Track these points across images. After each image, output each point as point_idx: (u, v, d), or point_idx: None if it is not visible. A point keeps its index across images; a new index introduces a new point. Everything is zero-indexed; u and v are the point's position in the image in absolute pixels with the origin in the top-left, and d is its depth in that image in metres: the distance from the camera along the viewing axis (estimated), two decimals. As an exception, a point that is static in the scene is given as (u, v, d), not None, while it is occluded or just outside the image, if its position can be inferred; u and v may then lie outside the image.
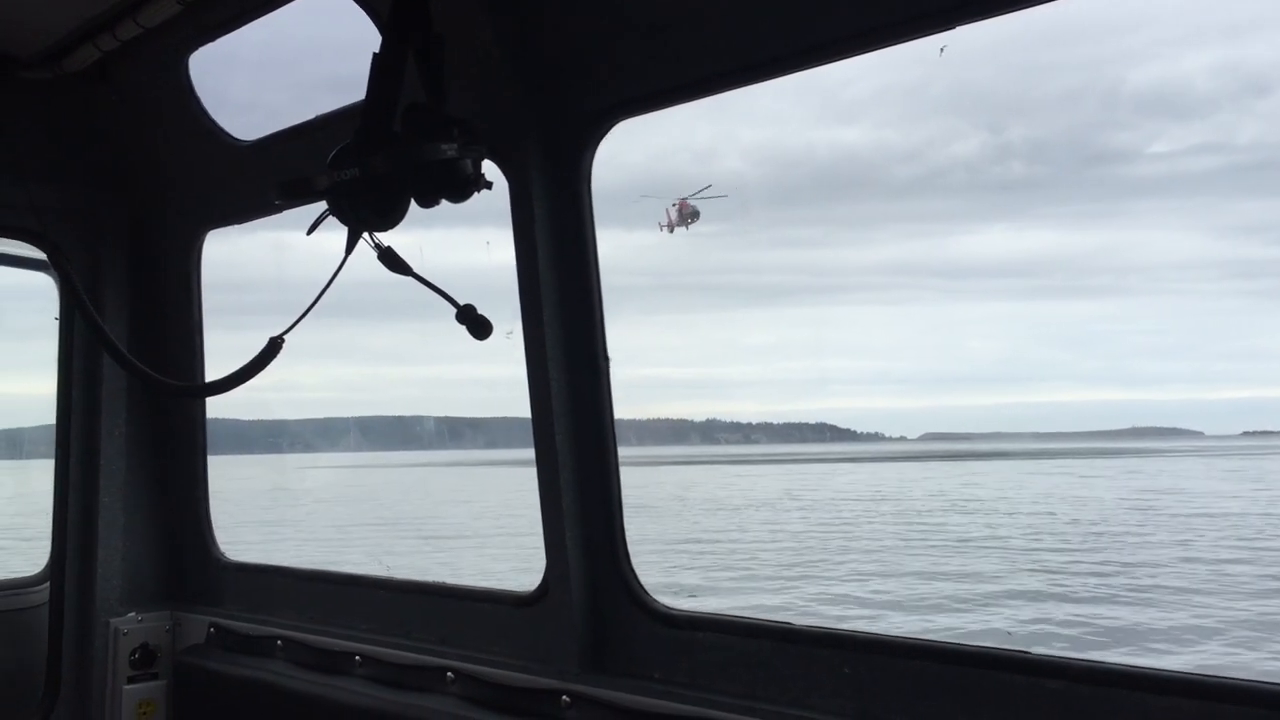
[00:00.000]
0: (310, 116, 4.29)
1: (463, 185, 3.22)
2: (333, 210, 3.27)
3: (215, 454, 5.36)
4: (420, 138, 3.20)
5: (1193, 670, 2.83)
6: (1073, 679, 2.68)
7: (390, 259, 3.33)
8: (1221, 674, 2.59)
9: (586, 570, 3.66)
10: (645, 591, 3.61)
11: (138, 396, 5.16)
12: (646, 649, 3.54)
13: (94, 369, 5.08)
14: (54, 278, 5.10)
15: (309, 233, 3.40)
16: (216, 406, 5.34)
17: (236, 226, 5.08)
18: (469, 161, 3.22)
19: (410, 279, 3.38)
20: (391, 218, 3.28)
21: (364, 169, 3.17)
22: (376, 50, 3.29)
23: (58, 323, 5.21)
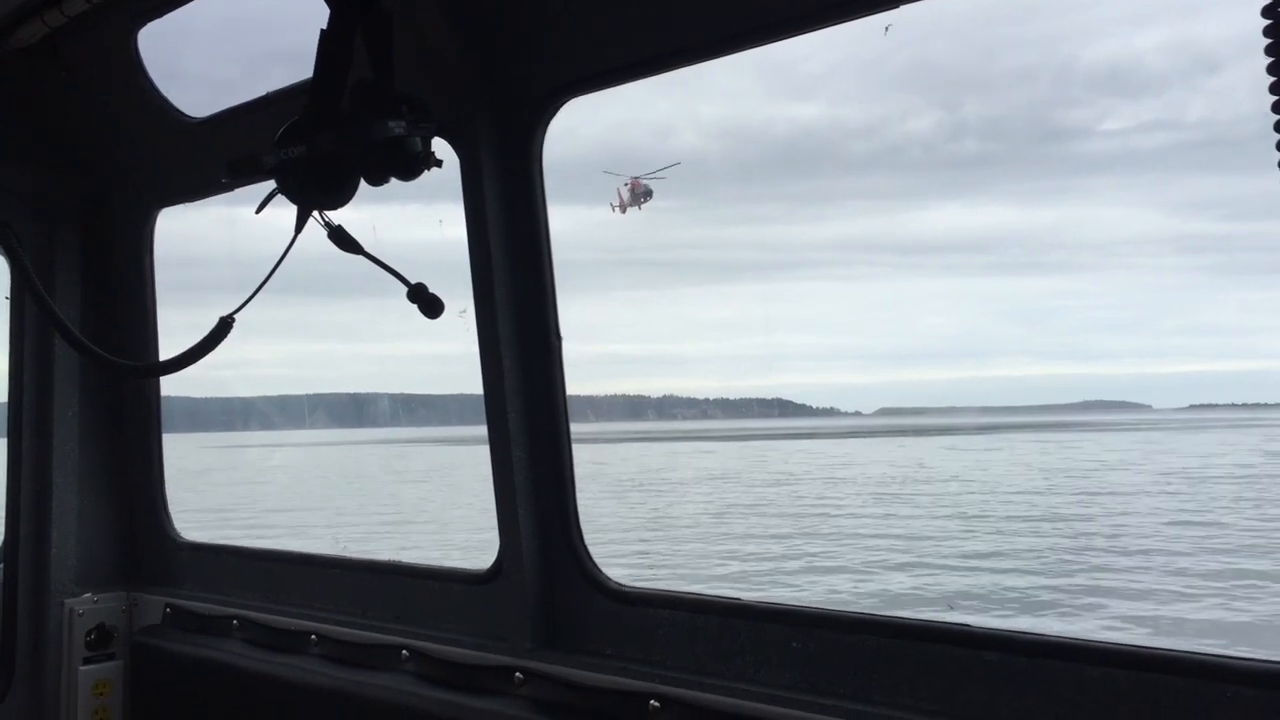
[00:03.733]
0: (263, 93, 4.27)
1: (411, 163, 3.19)
2: (281, 189, 3.25)
3: (166, 433, 5.34)
4: (368, 115, 3.17)
5: (1128, 642, 2.90)
6: (1010, 651, 2.75)
7: (340, 237, 3.31)
8: (1156, 645, 2.68)
9: (540, 548, 3.69)
10: (598, 569, 3.65)
11: (91, 376, 5.12)
12: (599, 625, 3.58)
13: (46, 349, 5.03)
14: (3, 256, 5.05)
15: (258, 211, 3.37)
16: (169, 384, 5.33)
17: (191, 204, 5.05)
18: (418, 139, 3.19)
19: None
20: (340, 196, 3.25)
21: (311, 147, 3.14)
22: (324, 26, 3.27)
23: (8, 302, 5.16)
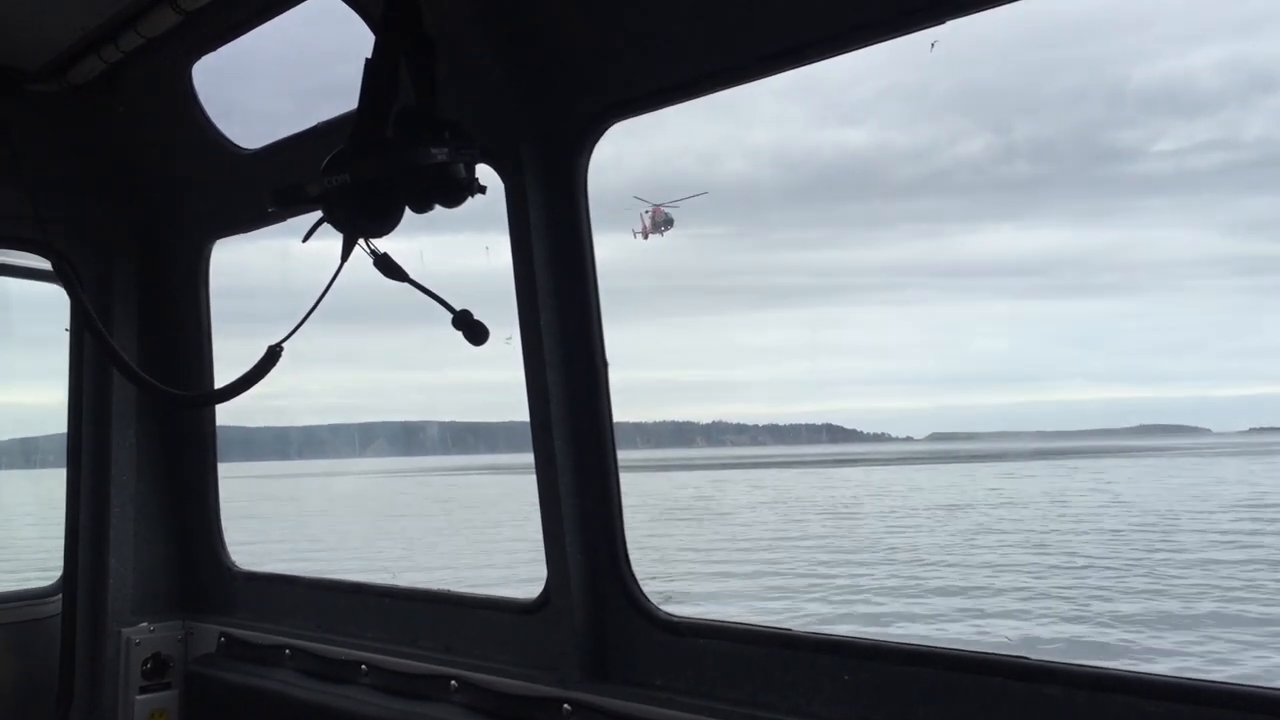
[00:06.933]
0: (314, 123, 4.31)
1: (456, 189, 3.19)
2: (326, 217, 3.27)
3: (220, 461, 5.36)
4: (411, 142, 3.18)
5: (1190, 676, 2.81)
6: (1071, 685, 2.67)
7: (386, 265, 3.31)
8: (1221, 680, 2.59)
9: (587, 577, 3.66)
10: (647, 598, 3.61)
11: (148, 406, 5.18)
12: (648, 656, 3.54)
13: (105, 379, 5.11)
14: (63, 288, 5.13)
15: (304, 240, 3.39)
16: (223, 414, 5.36)
17: (245, 235, 5.11)
18: (461, 165, 3.19)
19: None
20: (385, 223, 3.25)
21: (354, 175, 3.16)
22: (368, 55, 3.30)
23: (69, 334, 5.24)
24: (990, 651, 2.95)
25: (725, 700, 3.29)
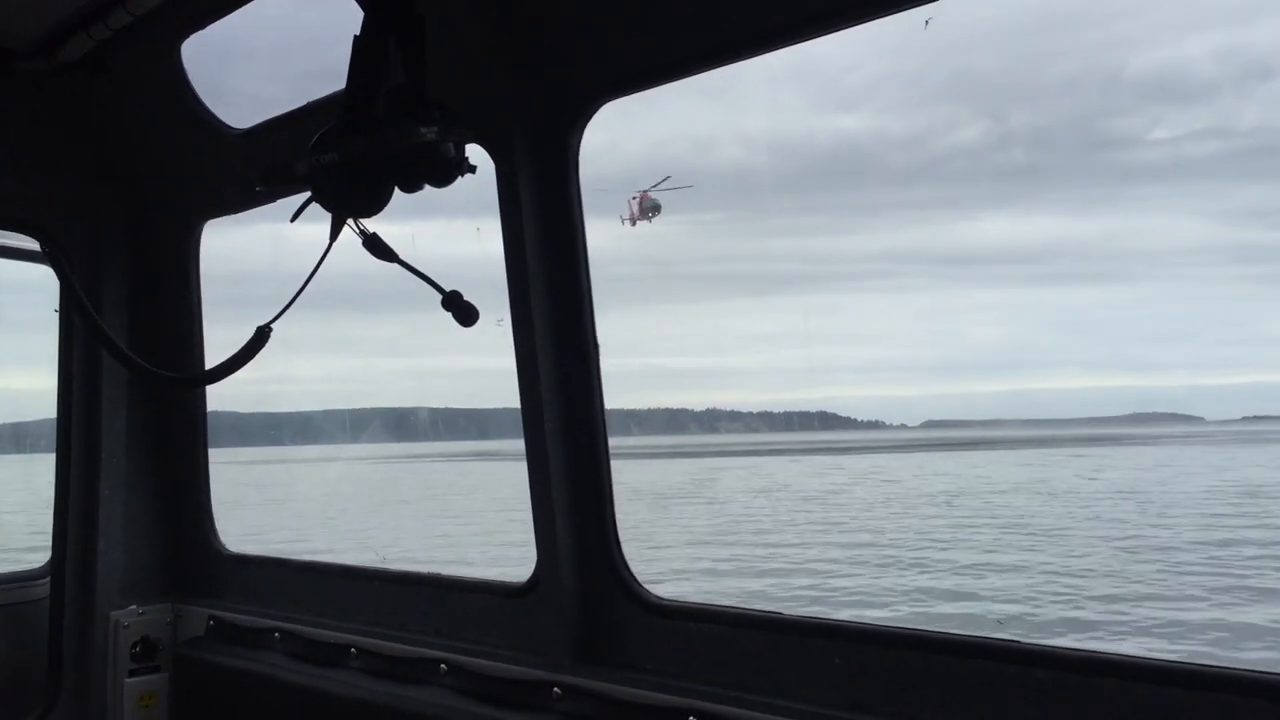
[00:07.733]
0: (304, 103, 4.28)
1: (445, 169, 3.16)
2: (315, 196, 3.24)
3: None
4: (400, 121, 3.15)
5: (1184, 659, 2.82)
6: (1062, 668, 2.67)
7: (375, 245, 3.30)
8: (1216, 664, 2.59)
9: (578, 561, 3.65)
10: (637, 582, 3.61)
11: (138, 388, 5.16)
12: (638, 640, 3.54)
13: (94, 361, 5.08)
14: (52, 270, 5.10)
15: (293, 219, 3.38)
16: (214, 398, 5.34)
17: (237, 219, 5.08)
18: (451, 145, 3.17)
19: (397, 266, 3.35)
20: (374, 203, 3.23)
21: (343, 154, 3.13)
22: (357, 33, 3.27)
23: (58, 315, 5.21)
24: (980, 635, 2.96)
25: (715, 683, 3.29)
